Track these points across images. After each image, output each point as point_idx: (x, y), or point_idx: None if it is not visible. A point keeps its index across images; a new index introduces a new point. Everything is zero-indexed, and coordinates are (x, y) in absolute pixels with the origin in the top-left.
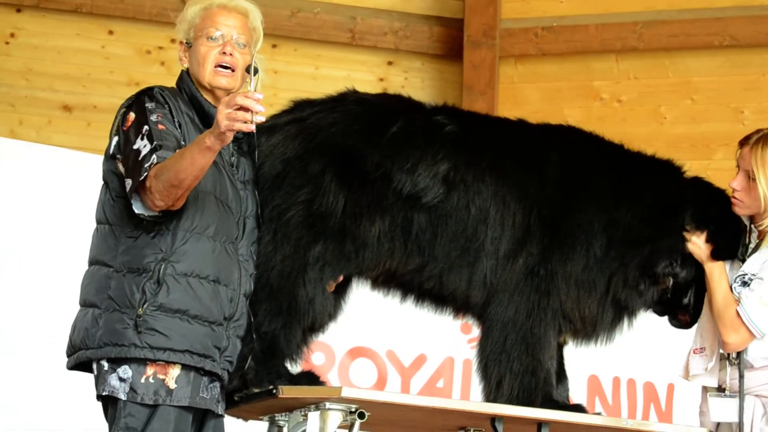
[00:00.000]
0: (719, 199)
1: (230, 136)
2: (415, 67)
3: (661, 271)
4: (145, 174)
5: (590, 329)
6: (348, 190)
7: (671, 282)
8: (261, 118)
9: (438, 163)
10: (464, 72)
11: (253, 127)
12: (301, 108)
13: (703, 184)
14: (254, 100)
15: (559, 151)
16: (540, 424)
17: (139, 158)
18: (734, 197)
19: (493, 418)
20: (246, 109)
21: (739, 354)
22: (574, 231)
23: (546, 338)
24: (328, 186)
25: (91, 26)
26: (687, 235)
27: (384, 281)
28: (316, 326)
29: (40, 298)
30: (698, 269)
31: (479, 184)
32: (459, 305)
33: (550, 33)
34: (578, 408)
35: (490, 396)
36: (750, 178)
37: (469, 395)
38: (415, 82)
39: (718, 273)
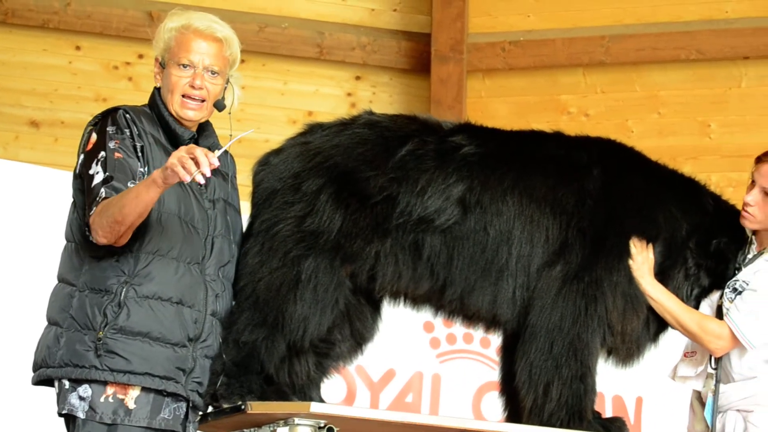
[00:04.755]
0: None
1: (173, 177)
2: (383, 82)
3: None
4: (92, 210)
5: (633, 347)
6: (345, 211)
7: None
8: (201, 179)
9: (451, 186)
10: (432, 86)
11: (188, 179)
12: (312, 131)
13: (726, 208)
14: (209, 163)
15: (600, 166)
16: None
17: (92, 186)
18: (746, 211)
19: None
20: (197, 164)
21: (718, 363)
22: (620, 241)
23: (593, 344)
24: (323, 206)
25: (58, 42)
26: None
27: (404, 301)
28: (323, 350)
29: (5, 315)
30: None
31: (499, 205)
32: (487, 323)
33: (517, 47)
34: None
35: (537, 402)
36: (765, 194)
37: (438, 410)
38: (383, 96)
39: (662, 290)
